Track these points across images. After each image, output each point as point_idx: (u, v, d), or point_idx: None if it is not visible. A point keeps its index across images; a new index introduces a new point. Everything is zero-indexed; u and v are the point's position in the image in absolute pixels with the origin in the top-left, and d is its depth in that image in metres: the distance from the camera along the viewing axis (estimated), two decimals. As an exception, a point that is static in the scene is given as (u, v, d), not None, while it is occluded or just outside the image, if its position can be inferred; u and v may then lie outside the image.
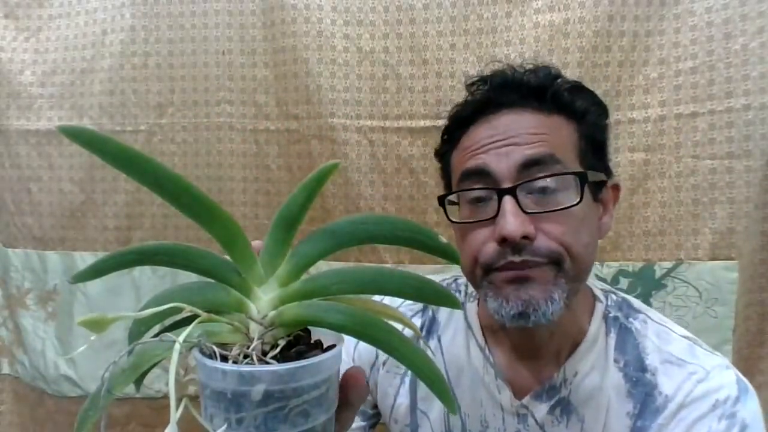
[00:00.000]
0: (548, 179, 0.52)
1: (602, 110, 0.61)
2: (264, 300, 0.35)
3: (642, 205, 0.94)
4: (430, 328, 0.68)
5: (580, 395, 0.58)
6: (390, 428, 0.70)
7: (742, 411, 0.53)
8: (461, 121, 0.60)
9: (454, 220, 0.58)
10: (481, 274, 0.54)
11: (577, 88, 0.59)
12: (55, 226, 1.12)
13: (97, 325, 0.29)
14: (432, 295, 0.38)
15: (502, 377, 0.61)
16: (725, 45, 0.87)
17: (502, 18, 0.95)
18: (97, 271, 0.36)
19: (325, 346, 0.36)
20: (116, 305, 1.09)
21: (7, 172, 1.13)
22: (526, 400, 0.60)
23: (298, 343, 0.35)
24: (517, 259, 0.51)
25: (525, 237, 0.50)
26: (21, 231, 1.14)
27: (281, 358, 0.33)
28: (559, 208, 0.51)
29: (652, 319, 0.60)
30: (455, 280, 0.72)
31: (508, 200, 0.51)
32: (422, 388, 0.66)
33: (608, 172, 0.60)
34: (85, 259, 1.12)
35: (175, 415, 0.27)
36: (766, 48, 0.85)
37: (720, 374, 0.56)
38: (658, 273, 0.93)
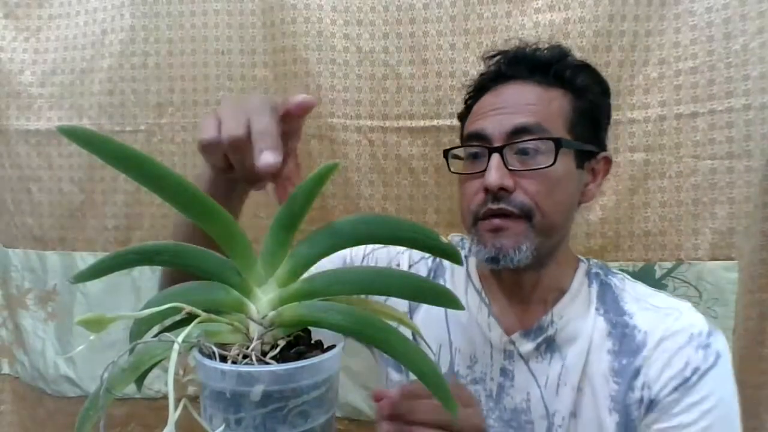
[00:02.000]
0: (530, 142, 0.60)
1: (604, 90, 0.68)
2: (264, 300, 0.35)
3: (642, 205, 0.93)
4: (437, 272, 0.76)
5: (563, 336, 0.65)
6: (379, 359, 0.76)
7: (714, 343, 0.60)
8: (476, 89, 0.69)
9: (453, 170, 0.68)
10: (471, 222, 0.64)
11: (583, 66, 0.67)
12: (55, 226, 1.12)
13: (96, 325, 0.29)
14: (431, 295, 0.38)
15: (494, 316, 0.68)
16: (725, 45, 0.87)
17: (502, 17, 0.95)
18: (97, 271, 0.36)
19: (325, 346, 0.36)
20: (116, 305, 1.09)
21: (7, 172, 1.13)
22: (514, 336, 0.66)
23: (297, 343, 0.35)
24: (495, 206, 0.60)
25: (503, 189, 0.60)
26: (21, 231, 1.14)
27: (281, 358, 0.32)
28: (534, 168, 0.60)
29: (628, 279, 0.69)
30: (462, 239, 0.80)
31: (495, 157, 0.60)
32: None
33: (601, 146, 0.68)
34: (85, 259, 1.12)
35: (173, 415, 0.27)
36: (767, 48, 0.85)
37: (691, 313, 0.64)
38: (659, 273, 0.93)
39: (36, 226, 1.13)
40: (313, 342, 0.36)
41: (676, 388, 0.59)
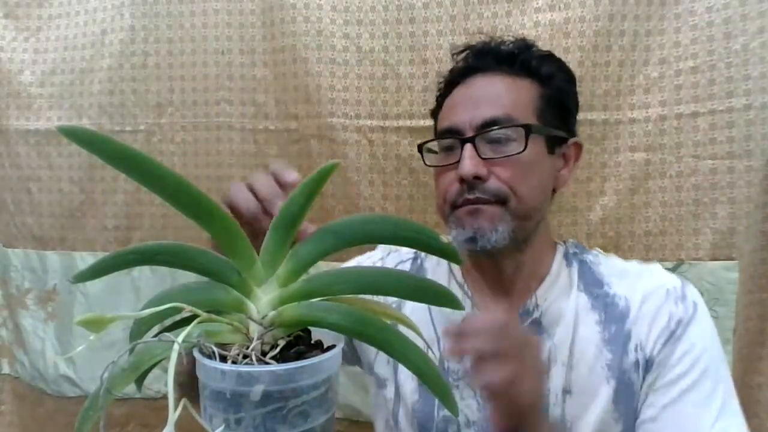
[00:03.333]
0: (500, 131, 0.62)
1: (569, 78, 0.71)
2: (264, 300, 0.35)
3: (643, 205, 0.93)
4: (418, 272, 0.77)
5: (549, 317, 0.66)
6: (369, 362, 0.76)
7: (689, 294, 0.64)
8: (447, 84, 0.71)
9: (428, 164, 0.70)
10: (448, 210, 0.65)
11: (547, 56, 0.70)
12: (55, 225, 1.12)
13: (95, 325, 0.29)
14: (431, 296, 0.38)
15: (478, 308, 0.70)
16: (726, 44, 0.87)
17: (503, 17, 0.95)
18: (97, 270, 0.36)
19: (325, 346, 0.36)
20: (116, 305, 1.09)
21: (6, 172, 1.13)
22: None
23: (297, 343, 0.35)
24: (471, 196, 0.62)
25: (477, 177, 0.61)
26: (21, 231, 1.14)
27: (281, 358, 0.32)
28: (507, 155, 0.62)
29: (602, 254, 0.72)
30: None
31: (467, 147, 0.62)
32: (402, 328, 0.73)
33: (571, 132, 0.70)
34: (85, 259, 1.12)
35: (173, 415, 0.27)
36: (767, 48, 0.85)
37: (662, 272, 0.68)
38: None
39: (36, 226, 1.13)
40: (313, 342, 0.36)
41: (665, 343, 0.62)
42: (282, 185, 0.47)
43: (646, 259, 0.93)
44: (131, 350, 0.31)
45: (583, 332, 0.65)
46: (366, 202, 1.01)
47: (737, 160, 0.87)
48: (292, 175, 0.46)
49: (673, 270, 0.91)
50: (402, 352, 0.35)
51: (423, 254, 0.78)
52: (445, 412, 0.67)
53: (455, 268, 0.74)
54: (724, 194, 0.88)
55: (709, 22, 0.88)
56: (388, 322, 0.37)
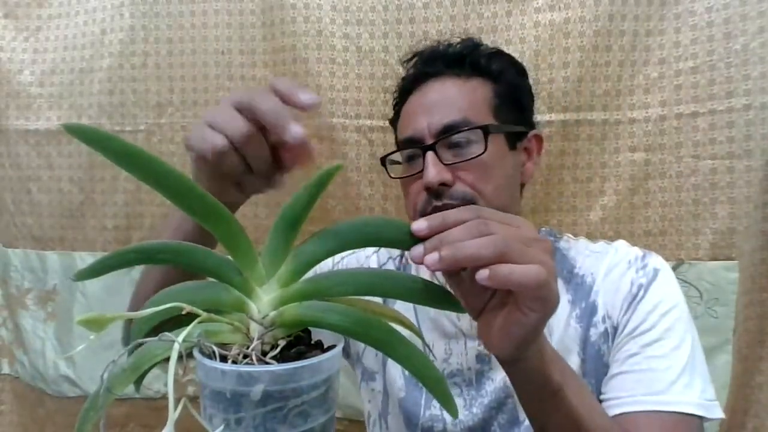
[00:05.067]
0: (460, 134, 0.63)
1: (519, 71, 0.72)
2: (265, 300, 0.35)
3: (642, 205, 0.93)
4: (404, 270, 0.78)
5: None
6: (357, 352, 0.77)
7: (651, 262, 0.66)
8: (402, 93, 0.72)
9: (393, 176, 0.70)
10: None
11: (495, 53, 0.70)
12: (55, 226, 1.12)
13: (95, 325, 0.29)
14: (432, 297, 0.38)
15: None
16: (726, 45, 0.87)
17: (503, 17, 0.95)
18: (98, 269, 0.36)
19: (325, 346, 0.36)
20: (116, 305, 1.08)
21: (6, 172, 1.13)
22: None
23: (298, 343, 0.35)
24: (439, 203, 0.62)
25: (443, 184, 0.61)
26: (21, 231, 1.14)
27: (281, 358, 0.32)
28: (468, 158, 0.62)
29: (572, 238, 0.74)
30: None
31: (429, 155, 0.63)
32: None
33: (529, 125, 0.71)
34: (85, 259, 1.12)
35: (173, 415, 0.27)
36: (767, 48, 0.85)
37: (625, 246, 0.70)
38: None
39: (36, 226, 1.13)
40: (313, 342, 0.36)
41: (628, 307, 0.63)
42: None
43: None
44: (131, 350, 0.31)
45: (557, 313, 0.65)
46: (366, 202, 1.01)
47: (737, 160, 0.87)
48: (308, 97, 0.38)
49: (673, 270, 0.91)
50: (402, 353, 0.35)
51: (407, 254, 0.78)
52: (432, 411, 0.68)
53: None
54: (724, 194, 0.88)
55: (709, 22, 0.88)
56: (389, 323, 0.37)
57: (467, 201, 0.62)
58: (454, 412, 0.35)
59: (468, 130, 0.62)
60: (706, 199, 0.90)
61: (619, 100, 0.93)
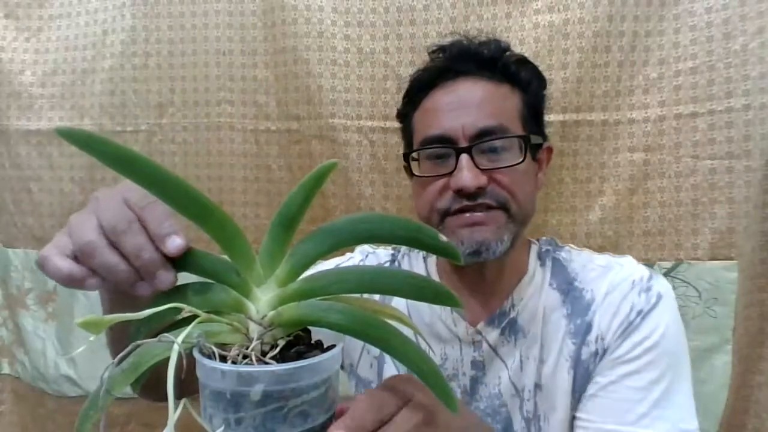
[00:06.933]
0: (498, 141, 0.62)
1: (542, 82, 0.71)
2: (263, 300, 0.35)
3: (642, 205, 0.94)
4: None
5: (525, 316, 0.67)
6: (351, 363, 0.75)
7: (655, 285, 0.64)
8: (423, 86, 0.68)
9: (417, 173, 0.67)
10: (438, 219, 0.64)
11: (522, 60, 0.69)
12: (56, 226, 1.12)
13: (95, 327, 0.29)
14: (432, 295, 0.38)
15: (457, 311, 0.69)
16: (725, 45, 0.87)
17: (502, 19, 0.95)
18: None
19: (325, 346, 0.36)
20: (116, 305, 1.09)
21: (7, 172, 1.13)
22: (480, 326, 0.68)
23: (297, 343, 0.35)
24: (472, 202, 0.61)
25: (479, 188, 0.61)
26: (21, 231, 1.14)
27: (280, 358, 0.33)
28: (508, 165, 0.62)
29: (574, 249, 0.73)
30: None
31: (464, 157, 0.61)
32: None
33: (544, 136, 0.70)
34: (86, 260, 1.12)
35: (173, 415, 0.27)
36: (766, 48, 0.85)
37: (632, 264, 0.67)
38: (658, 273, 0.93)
39: (36, 226, 1.13)
40: (312, 342, 0.36)
41: (622, 333, 0.62)
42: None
43: (645, 259, 0.93)
44: (131, 351, 0.31)
45: (552, 327, 0.66)
46: (367, 203, 1.01)
47: (736, 160, 0.87)
48: (175, 244, 0.35)
49: (672, 270, 0.92)
50: (402, 351, 0.35)
51: (400, 257, 0.78)
52: None
53: (432, 269, 0.75)
54: (723, 194, 0.89)
55: (708, 22, 0.88)
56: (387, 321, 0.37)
57: (502, 203, 0.62)
58: (453, 406, 0.35)
59: (507, 137, 0.62)
60: (705, 199, 0.90)
61: (618, 101, 0.93)
